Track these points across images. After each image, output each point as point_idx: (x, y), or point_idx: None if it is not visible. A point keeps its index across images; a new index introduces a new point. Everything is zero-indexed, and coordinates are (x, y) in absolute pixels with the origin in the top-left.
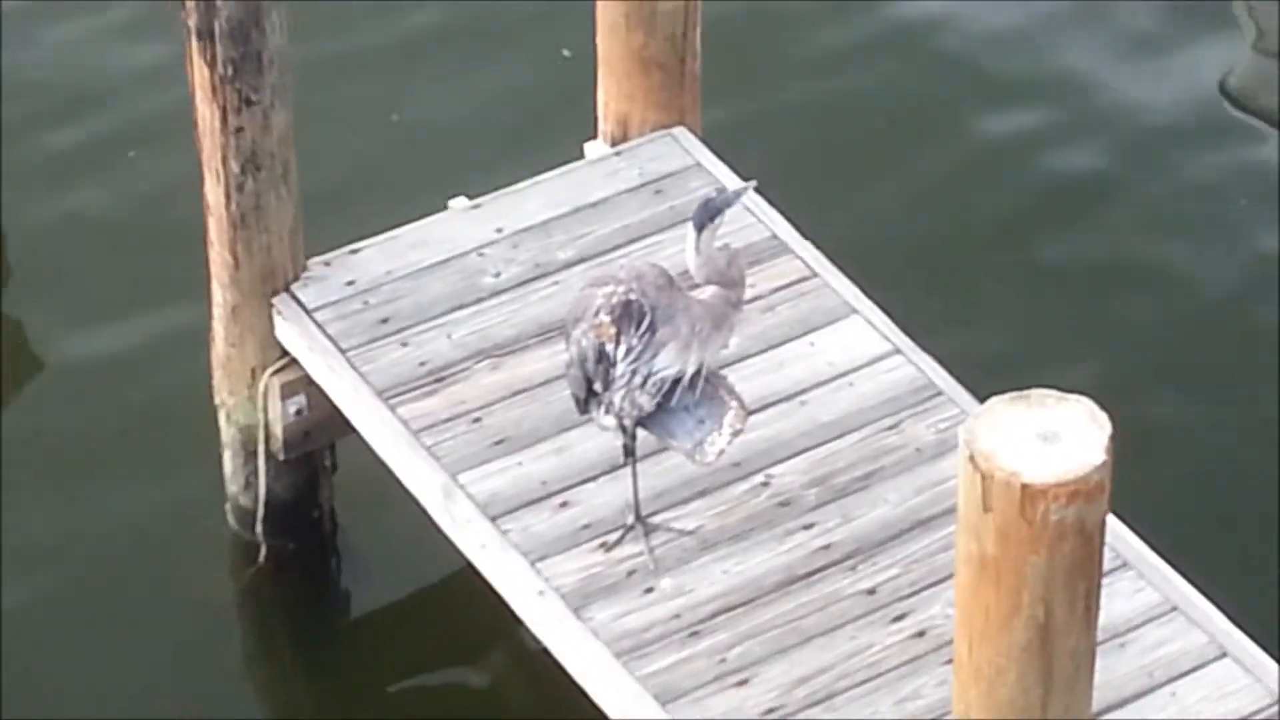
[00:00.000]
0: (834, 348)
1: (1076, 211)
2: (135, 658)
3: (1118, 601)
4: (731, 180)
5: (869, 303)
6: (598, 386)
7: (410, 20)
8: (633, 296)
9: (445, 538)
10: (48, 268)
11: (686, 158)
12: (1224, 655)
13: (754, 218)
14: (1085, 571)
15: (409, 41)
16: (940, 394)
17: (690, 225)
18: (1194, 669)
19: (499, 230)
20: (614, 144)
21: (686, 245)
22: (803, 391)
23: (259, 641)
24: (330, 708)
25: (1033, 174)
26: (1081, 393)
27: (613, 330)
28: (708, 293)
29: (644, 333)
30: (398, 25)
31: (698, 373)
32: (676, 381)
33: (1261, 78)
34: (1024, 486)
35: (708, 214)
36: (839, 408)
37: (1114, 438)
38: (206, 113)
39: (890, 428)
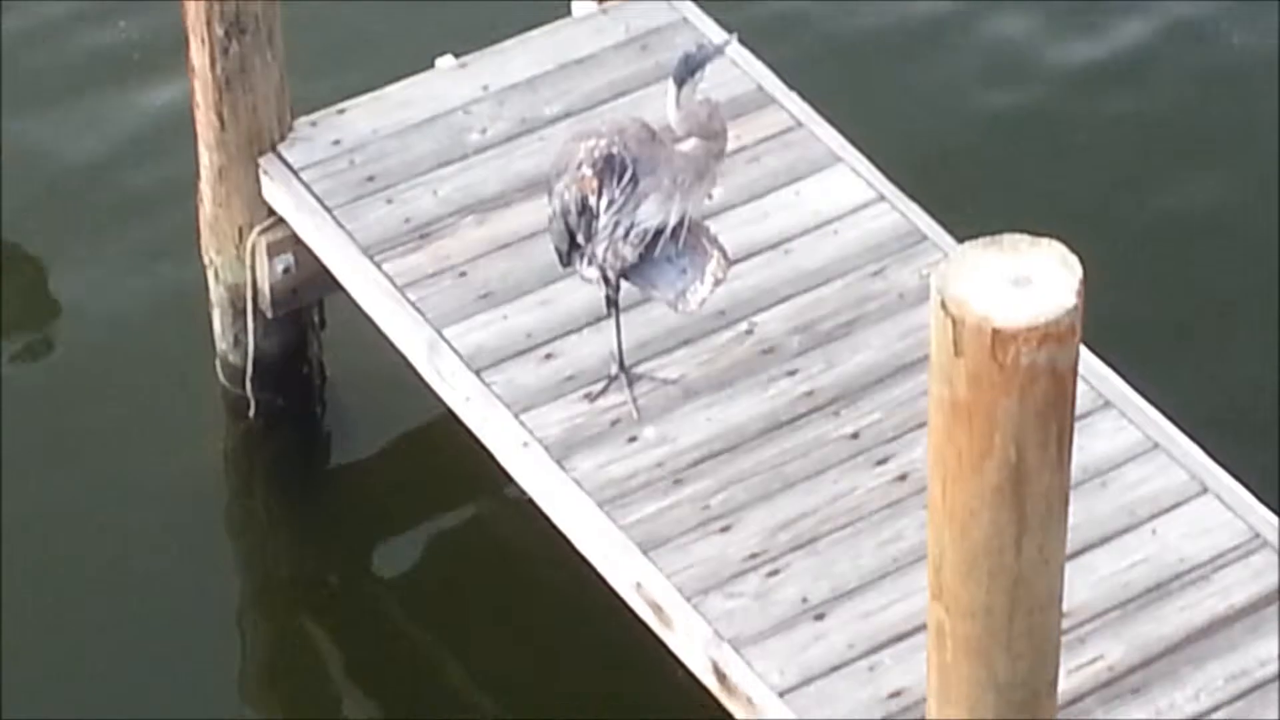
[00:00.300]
0: (819, 196)
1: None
2: (124, 509)
3: (1099, 441)
4: (716, 35)
5: (854, 151)
6: (580, 239)
7: None
8: (614, 149)
9: (432, 391)
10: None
11: (673, 13)
12: (1204, 491)
13: (739, 70)
14: (1058, 413)
15: None
16: (925, 239)
17: (670, 80)
18: (1175, 506)
19: (485, 88)
20: (601, 1)
21: (667, 100)
22: (787, 240)
23: (249, 496)
24: (319, 560)
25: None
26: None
27: (595, 183)
28: (689, 145)
29: (626, 184)
30: None
31: (680, 223)
32: (659, 232)
33: None
34: (995, 331)
35: (688, 68)
36: (823, 255)
37: (1084, 281)
38: None
39: (874, 274)
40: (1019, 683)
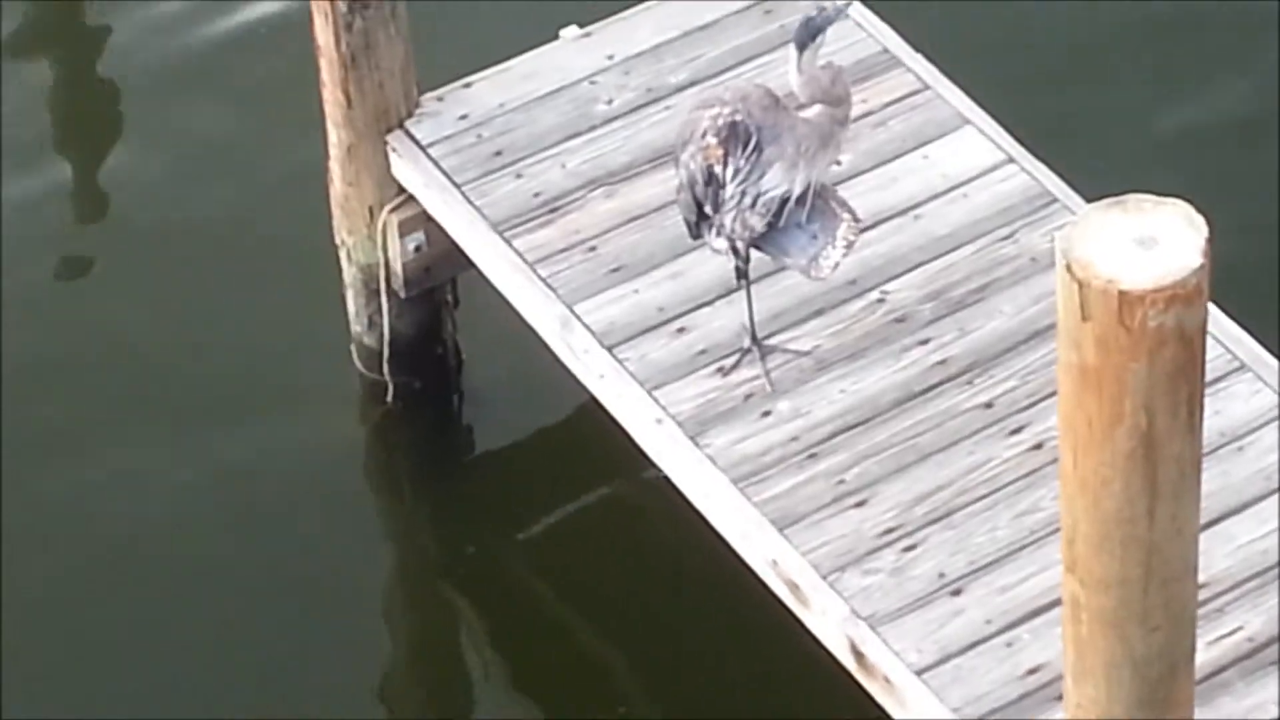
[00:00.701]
0: (947, 160)
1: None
2: (264, 495)
3: (1235, 404)
4: None
5: (982, 113)
6: (708, 209)
7: None
8: (738, 118)
9: (566, 368)
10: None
11: None
12: None
13: (864, 33)
14: (1187, 377)
15: None
16: (1055, 201)
17: (792, 45)
18: None
19: (610, 57)
20: None
21: (789, 65)
22: (916, 205)
23: (388, 480)
24: (456, 541)
25: None
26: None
27: (720, 152)
28: (814, 111)
29: (751, 153)
30: None
31: (807, 190)
32: (785, 200)
33: None
34: (1121, 293)
35: (809, 33)
36: (953, 220)
37: (1211, 240)
38: None
39: (1005, 238)
40: (1155, 656)
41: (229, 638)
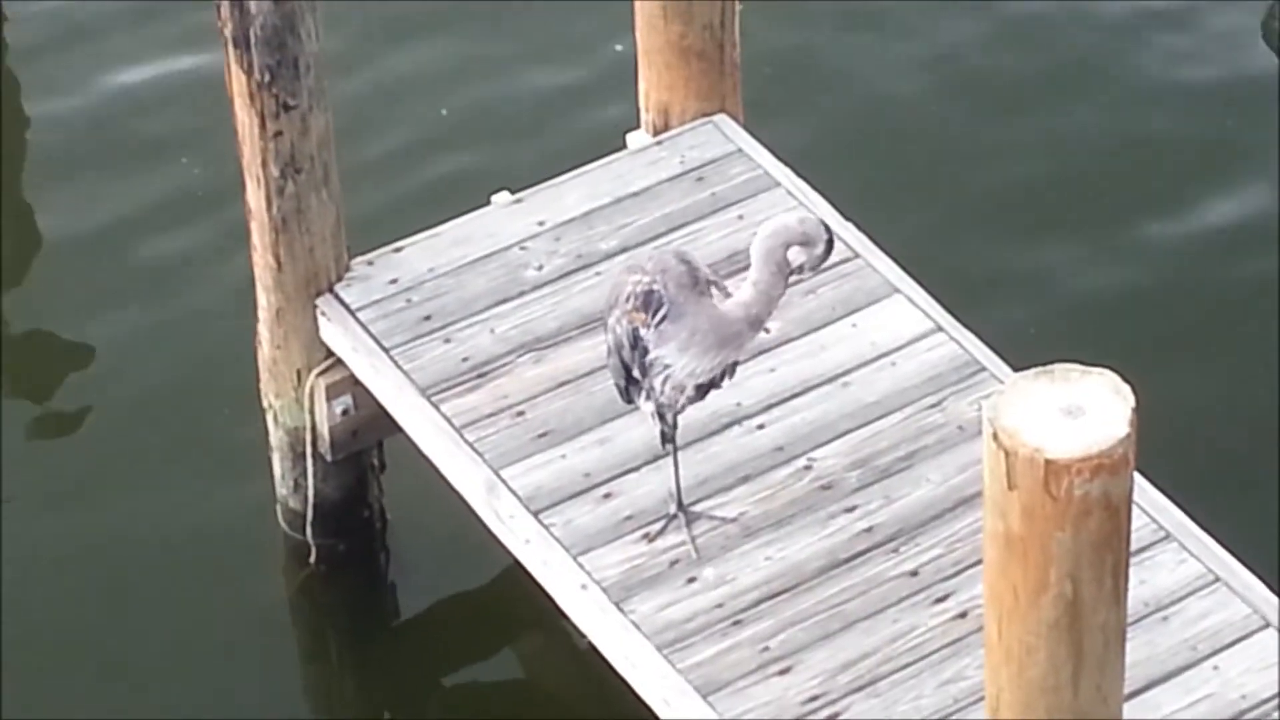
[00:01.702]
0: (876, 328)
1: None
2: (186, 658)
3: (1160, 574)
4: (771, 164)
5: (911, 282)
6: (636, 373)
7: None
8: (655, 287)
9: (491, 533)
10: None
11: (728, 144)
12: (1267, 626)
13: (795, 201)
14: (1112, 546)
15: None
16: (983, 370)
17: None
18: (1237, 640)
19: (541, 223)
20: (656, 134)
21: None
22: (845, 373)
23: (311, 641)
24: (381, 705)
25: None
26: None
27: (642, 316)
28: (730, 307)
29: (658, 323)
30: (440, 20)
31: (708, 377)
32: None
33: None
34: (1048, 462)
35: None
36: (881, 388)
37: (1137, 410)
38: (245, 119)
39: (933, 406)
40: None
41: None
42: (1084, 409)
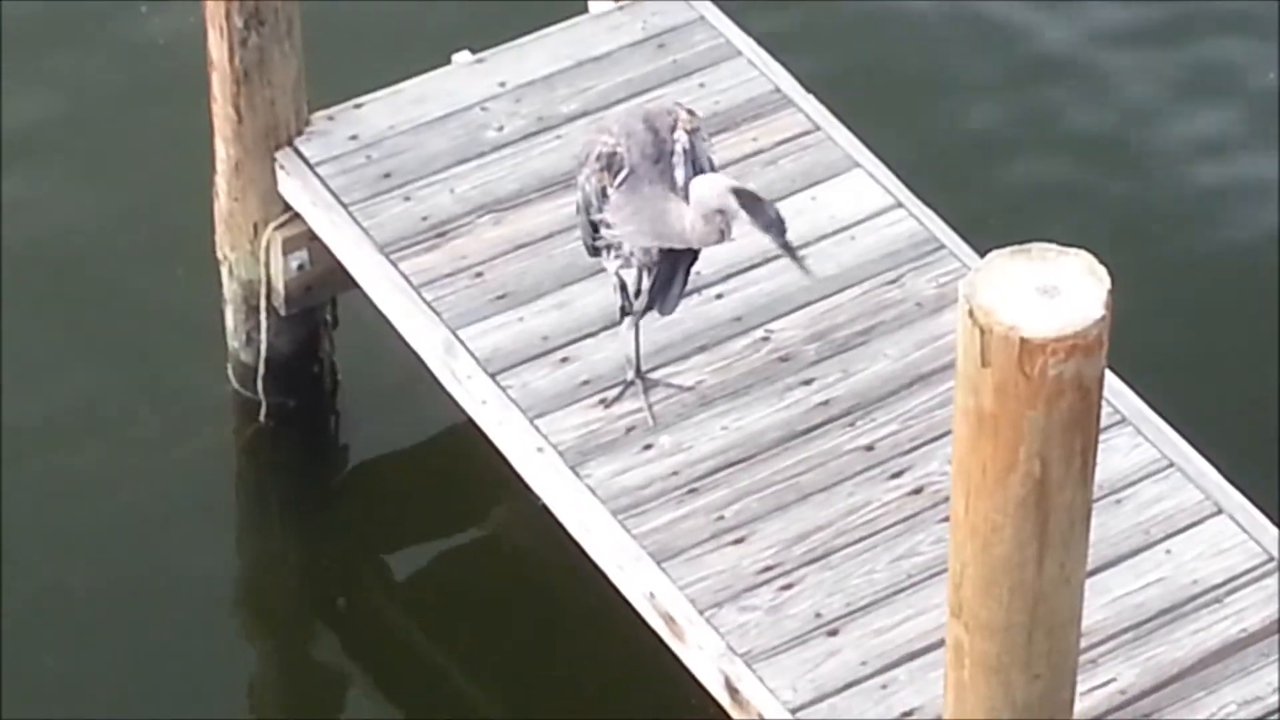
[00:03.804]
0: (836, 201)
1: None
2: (132, 511)
3: (1115, 458)
4: (734, 32)
5: (871, 156)
6: (604, 231)
7: None
8: (619, 150)
9: (446, 393)
10: (48, 128)
11: (690, 11)
12: (1219, 512)
13: (757, 70)
14: (1083, 427)
15: None
16: (942, 247)
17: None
18: (1189, 526)
19: (502, 84)
20: None
21: (706, 188)
22: (804, 245)
23: (259, 498)
24: (328, 563)
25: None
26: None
27: (606, 175)
28: (673, 207)
29: (617, 186)
30: None
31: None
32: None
33: None
34: (1023, 341)
35: (760, 220)
36: (840, 262)
37: (1113, 292)
38: None
39: (891, 282)
40: (1036, 703)
41: (83, 653)
42: (1059, 289)
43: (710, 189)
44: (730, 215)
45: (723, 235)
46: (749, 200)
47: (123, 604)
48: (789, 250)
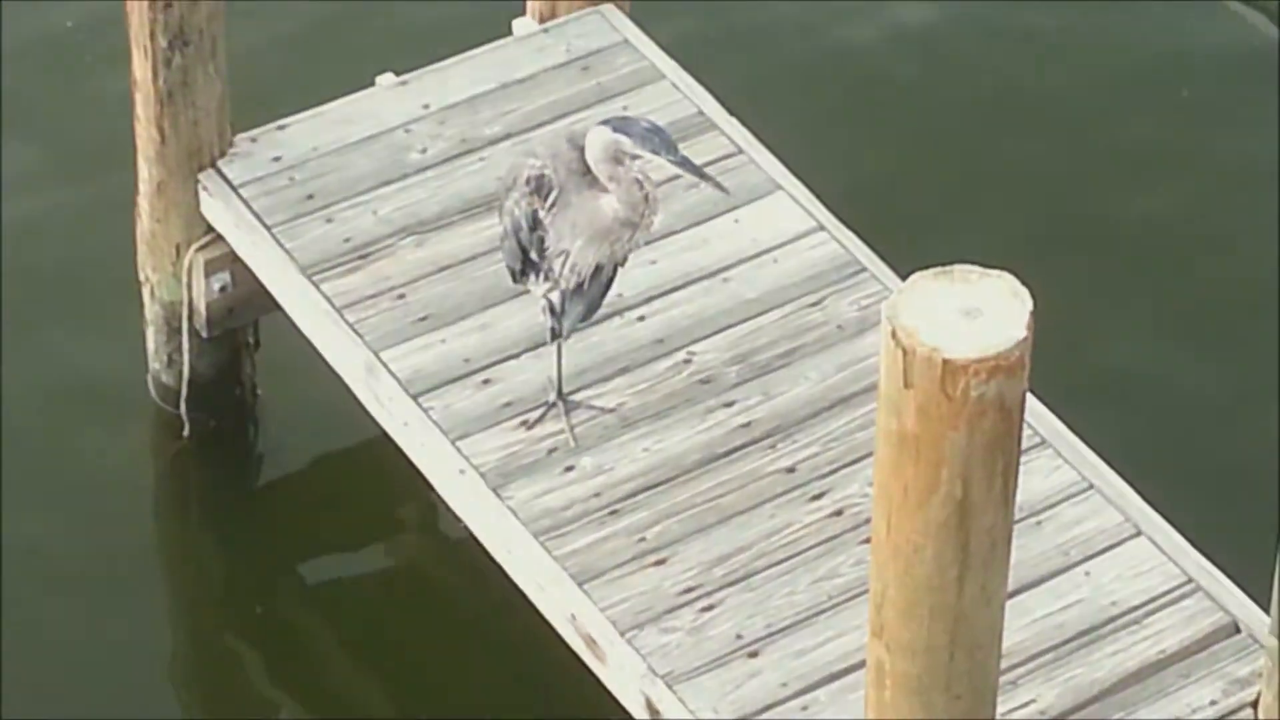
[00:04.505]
0: (758, 224)
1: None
2: (54, 528)
3: (1035, 479)
4: (657, 55)
5: (794, 179)
6: (533, 255)
7: None
8: (546, 172)
9: (368, 414)
10: None
11: (614, 34)
12: (1138, 534)
13: (680, 94)
14: (1004, 448)
15: None
16: (864, 270)
17: (611, 128)
18: (1109, 547)
19: (426, 106)
20: (542, 21)
21: (598, 138)
22: (726, 268)
23: (180, 516)
24: (249, 583)
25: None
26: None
27: (536, 199)
28: (608, 200)
29: (549, 208)
30: None
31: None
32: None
33: None
34: (945, 362)
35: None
36: (762, 284)
37: (1034, 313)
38: None
39: (813, 304)
40: None
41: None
42: (982, 310)
43: (591, 141)
44: (619, 151)
45: (646, 193)
46: (621, 122)
47: (43, 613)
48: (689, 166)
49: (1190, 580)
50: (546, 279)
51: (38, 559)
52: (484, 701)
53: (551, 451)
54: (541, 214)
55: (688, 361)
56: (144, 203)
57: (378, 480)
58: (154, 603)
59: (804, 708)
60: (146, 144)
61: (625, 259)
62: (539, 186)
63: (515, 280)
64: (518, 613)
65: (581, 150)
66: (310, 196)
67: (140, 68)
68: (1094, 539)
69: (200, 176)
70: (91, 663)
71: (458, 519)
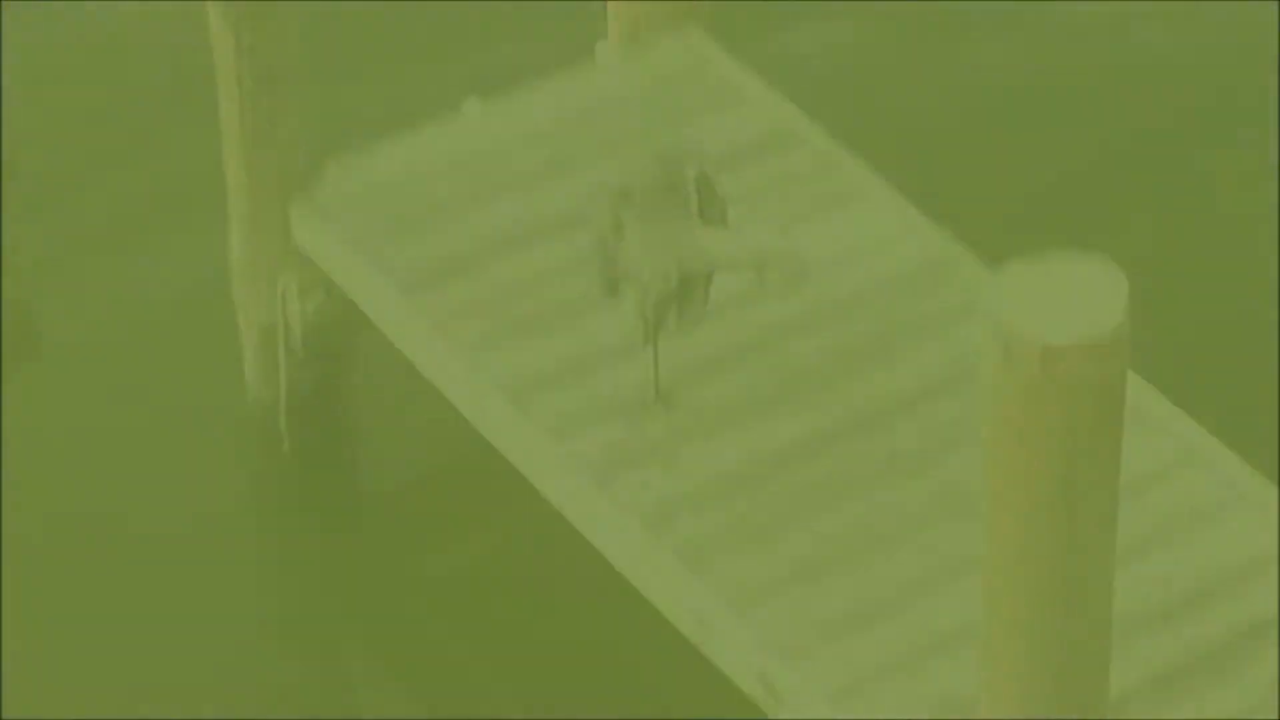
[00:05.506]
0: (848, 227)
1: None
2: (157, 552)
3: (1133, 451)
4: (738, 73)
5: (879, 181)
6: (624, 266)
7: None
8: (632, 187)
9: (466, 427)
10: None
11: (695, 54)
12: (1236, 500)
13: (763, 109)
14: (1108, 428)
15: None
16: (955, 265)
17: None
18: (1209, 515)
19: (511, 129)
20: (625, 43)
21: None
22: (821, 268)
23: (281, 533)
24: (352, 598)
25: None
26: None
27: (622, 213)
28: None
29: (635, 222)
30: None
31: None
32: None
33: None
34: (1045, 347)
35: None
36: (856, 283)
37: (1130, 295)
38: (219, 22)
39: (909, 299)
40: (1070, 691)
41: (110, 698)
42: (1079, 295)
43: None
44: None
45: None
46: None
47: (149, 628)
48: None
49: None
50: (637, 287)
51: (140, 573)
52: (602, 696)
53: (653, 446)
54: (629, 227)
55: (785, 357)
56: (236, 230)
57: (479, 490)
58: (257, 617)
59: (913, 678)
60: (237, 173)
61: (720, 266)
62: (625, 201)
63: (607, 291)
64: (628, 606)
65: (667, 167)
66: (400, 218)
67: (227, 100)
68: (1195, 507)
69: (290, 204)
70: (193, 678)
71: (561, 519)
